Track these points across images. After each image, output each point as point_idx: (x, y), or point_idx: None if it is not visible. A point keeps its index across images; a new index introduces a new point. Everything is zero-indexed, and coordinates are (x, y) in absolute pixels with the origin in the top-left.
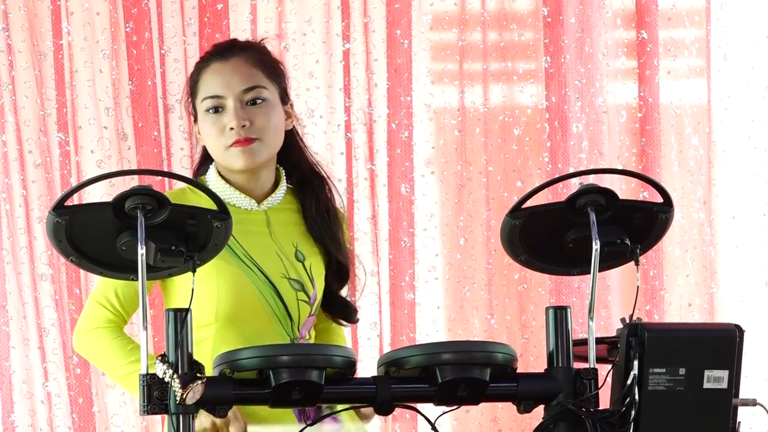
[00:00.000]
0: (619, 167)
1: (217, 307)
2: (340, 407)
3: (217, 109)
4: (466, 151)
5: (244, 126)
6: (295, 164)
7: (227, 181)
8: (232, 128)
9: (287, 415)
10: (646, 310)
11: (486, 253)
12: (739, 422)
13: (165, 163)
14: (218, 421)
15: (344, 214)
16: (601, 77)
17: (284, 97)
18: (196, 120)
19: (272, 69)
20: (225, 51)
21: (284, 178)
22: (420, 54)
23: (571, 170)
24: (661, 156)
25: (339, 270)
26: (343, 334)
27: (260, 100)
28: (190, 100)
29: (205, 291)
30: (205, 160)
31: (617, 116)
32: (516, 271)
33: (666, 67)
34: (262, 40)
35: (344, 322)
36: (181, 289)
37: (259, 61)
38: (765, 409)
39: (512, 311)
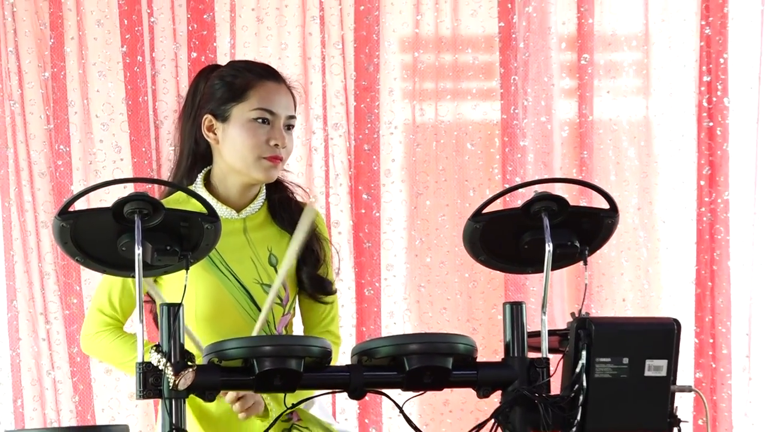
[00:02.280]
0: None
1: (196, 309)
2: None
3: (266, 121)
4: (424, 163)
5: (283, 147)
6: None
7: (211, 190)
8: (276, 144)
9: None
10: (585, 305)
11: (440, 253)
12: (677, 406)
13: (155, 173)
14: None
15: (318, 212)
16: (547, 96)
17: None
18: (221, 120)
19: (296, 101)
20: (277, 75)
21: (264, 191)
22: (384, 75)
23: (518, 180)
24: (599, 167)
25: (311, 257)
26: (333, 339)
27: (292, 127)
28: (222, 102)
29: (186, 295)
30: (193, 166)
31: (560, 131)
32: (467, 270)
33: (606, 87)
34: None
35: (324, 297)
36: (173, 287)
37: (293, 95)
38: (700, 394)
39: (463, 306)
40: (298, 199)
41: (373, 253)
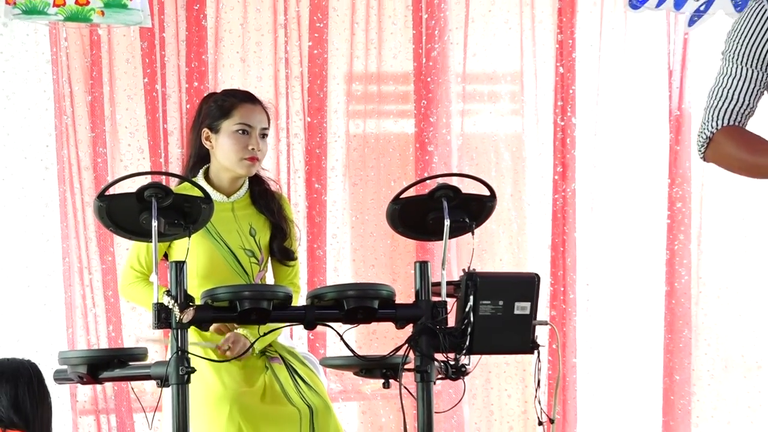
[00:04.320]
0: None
1: (196, 266)
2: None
3: (246, 132)
4: (358, 162)
5: (259, 150)
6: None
7: (209, 181)
8: (252, 149)
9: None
10: (472, 263)
11: (370, 226)
12: (537, 335)
13: (166, 168)
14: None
15: (285, 198)
16: (447, 116)
17: None
18: (214, 131)
19: (269, 118)
20: (254, 98)
21: (247, 182)
22: (330, 99)
23: (426, 175)
24: (484, 166)
25: (280, 233)
26: (295, 289)
27: (266, 136)
28: (215, 119)
29: (190, 258)
30: (196, 164)
31: (456, 141)
32: (389, 238)
33: (489, 109)
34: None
35: (288, 262)
36: (180, 250)
37: (266, 112)
38: (554, 327)
39: (386, 264)
40: (272, 188)
41: (322, 226)
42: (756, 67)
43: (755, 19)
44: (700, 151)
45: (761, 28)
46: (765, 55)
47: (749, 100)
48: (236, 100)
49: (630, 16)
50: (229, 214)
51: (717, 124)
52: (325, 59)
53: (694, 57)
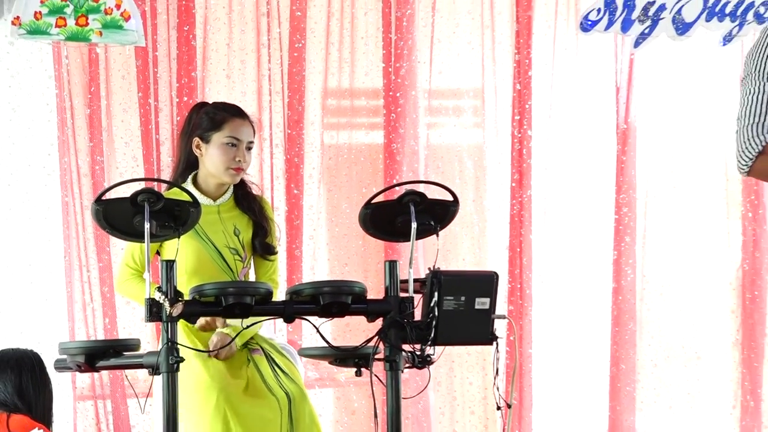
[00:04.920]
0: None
1: (185, 264)
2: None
3: (234, 144)
4: (333, 170)
5: (244, 162)
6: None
7: (197, 186)
8: (239, 160)
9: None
10: (437, 262)
11: (344, 228)
12: (495, 328)
13: (157, 175)
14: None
15: (265, 199)
16: (414, 128)
17: None
18: (205, 141)
19: (255, 131)
20: (243, 114)
21: (232, 187)
22: (308, 113)
23: (395, 182)
24: (449, 174)
25: (262, 230)
26: (275, 284)
27: (251, 149)
28: (206, 129)
29: (179, 257)
30: (185, 170)
31: (424, 151)
32: (361, 239)
33: (453, 122)
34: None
35: (269, 257)
36: (170, 249)
37: (252, 126)
38: (511, 321)
39: (359, 262)
40: (254, 191)
41: (299, 228)
42: None
43: None
44: (745, 165)
45: None
46: None
47: None
48: (227, 114)
49: (581, 38)
50: (215, 216)
51: (764, 139)
52: (303, 76)
53: (639, 75)
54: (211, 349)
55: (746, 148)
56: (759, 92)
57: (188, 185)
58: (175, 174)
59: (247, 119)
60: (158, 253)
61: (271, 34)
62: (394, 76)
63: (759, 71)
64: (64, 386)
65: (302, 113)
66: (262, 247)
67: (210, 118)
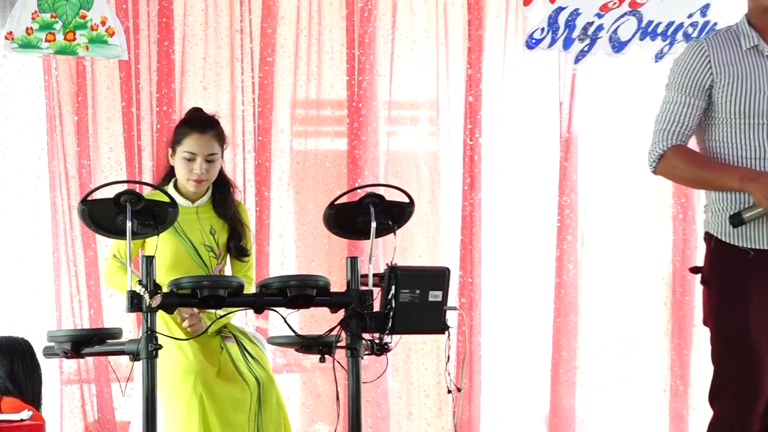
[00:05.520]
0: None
1: (164, 259)
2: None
3: (191, 159)
4: (301, 174)
5: (204, 173)
6: (217, 177)
7: (178, 189)
8: (196, 172)
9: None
10: (395, 258)
11: (310, 227)
12: (447, 318)
13: (139, 178)
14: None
15: (243, 205)
16: (375, 135)
17: (223, 152)
18: (173, 154)
19: (222, 139)
20: (204, 127)
21: (211, 189)
22: (277, 121)
23: (357, 185)
24: (406, 177)
25: (236, 235)
26: (248, 280)
27: (213, 160)
28: (173, 143)
29: (159, 252)
30: (168, 174)
31: (383, 157)
32: (326, 237)
33: (411, 131)
34: (214, 114)
35: (243, 258)
36: (151, 246)
37: (216, 135)
38: (462, 312)
39: (323, 258)
40: (234, 195)
41: (269, 227)
42: (696, 96)
43: (694, 56)
44: (651, 165)
45: (699, 64)
46: (702, 86)
47: (691, 123)
48: (187, 129)
49: (527, 55)
50: (193, 216)
51: (667, 144)
52: (273, 88)
53: (580, 89)
54: (181, 321)
55: (653, 149)
56: (670, 101)
57: (170, 188)
58: (160, 177)
59: (208, 133)
60: (142, 249)
61: (243, 49)
62: (357, 89)
63: (672, 82)
64: (51, 371)
65: (272, 122)
66: (236, 249)
67: (176, 133)
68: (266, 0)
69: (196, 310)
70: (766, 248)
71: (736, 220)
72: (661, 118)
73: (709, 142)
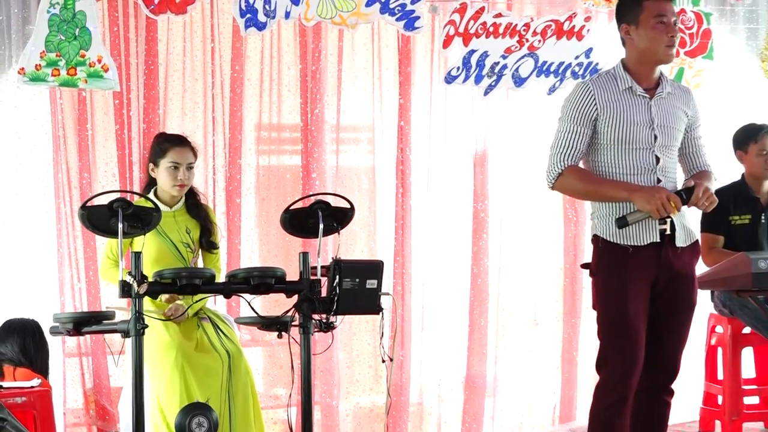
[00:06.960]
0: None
1: (150, 256)
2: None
3: (176, 168)
4: (265, 184)
5: (185, 179)
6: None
7: (158, 197)
8: (180, 178)
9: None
10: (339, 254)
11: (273, 228)
12: (382, 301)
13: (129, 189)
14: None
15: (210, 208)
16: (325, 153)
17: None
18: (156, 166)
19: (195, 152)
20: (184, 141)
21: (184, 197)
22: (245, 141)
23: (310, 193)
24: (349, 188)
25: (207, 232)
26: (218, 270)
27: (191, 168)
28: (155, 157)
29: (145, 249)
30: (148, 185)
31: (331, 171)
32: (284, 237)
33: (353, 149)
34: (188, 137)
35: (213, 251)
36: (138, 244)
37: (192, 148)
38: (394, 298)
39: (282, 254)
40: (201, 200)
41: (239, 228)
42: (583, 126)
43: (582, 94)
44: (550, 182)
45: (586, 100)
46: (589, 118)
47: (581, 147)
48: (169, 144)
49: (447, 88)
50: (171, 219)
51: (563, 165)
52: (241, 114)
53: (489, 116)
54: (166, 314)
55: (551, 170)
56: (563, 131)
57: (152, 196)
58: (144, 187)
59: (187, 145)
60: (131, 246)
61: (215, 82)
62: (310, 115)
63: (564, 115)
64: (56, 347)
65: (241, 141)
66: (207, 243)
67: (159, 148)
68: (235, 42)
69: (180, 301)
70: (642, 245)
71: (622, 222)
72: (557, 144)
73: (594, 162)
